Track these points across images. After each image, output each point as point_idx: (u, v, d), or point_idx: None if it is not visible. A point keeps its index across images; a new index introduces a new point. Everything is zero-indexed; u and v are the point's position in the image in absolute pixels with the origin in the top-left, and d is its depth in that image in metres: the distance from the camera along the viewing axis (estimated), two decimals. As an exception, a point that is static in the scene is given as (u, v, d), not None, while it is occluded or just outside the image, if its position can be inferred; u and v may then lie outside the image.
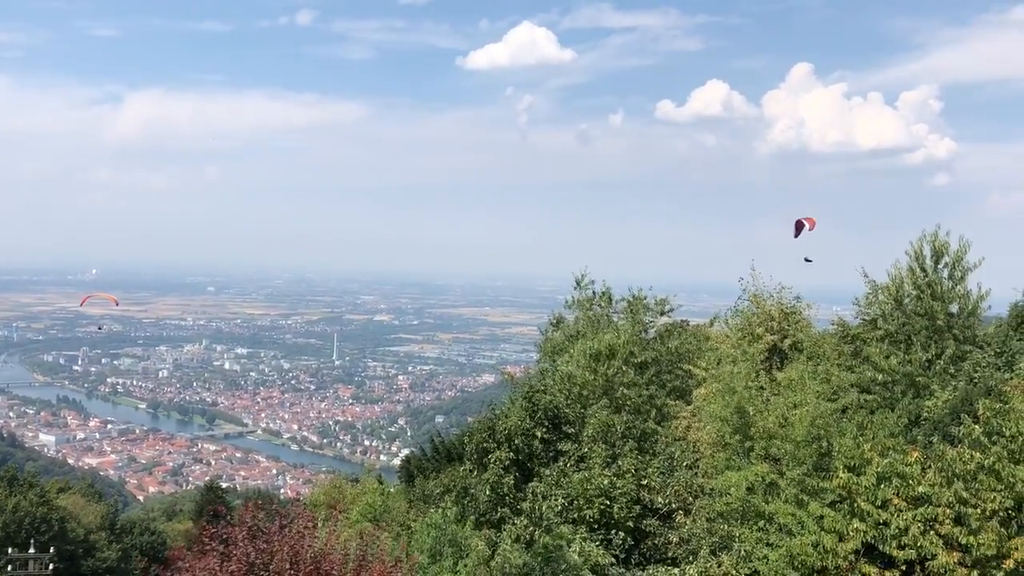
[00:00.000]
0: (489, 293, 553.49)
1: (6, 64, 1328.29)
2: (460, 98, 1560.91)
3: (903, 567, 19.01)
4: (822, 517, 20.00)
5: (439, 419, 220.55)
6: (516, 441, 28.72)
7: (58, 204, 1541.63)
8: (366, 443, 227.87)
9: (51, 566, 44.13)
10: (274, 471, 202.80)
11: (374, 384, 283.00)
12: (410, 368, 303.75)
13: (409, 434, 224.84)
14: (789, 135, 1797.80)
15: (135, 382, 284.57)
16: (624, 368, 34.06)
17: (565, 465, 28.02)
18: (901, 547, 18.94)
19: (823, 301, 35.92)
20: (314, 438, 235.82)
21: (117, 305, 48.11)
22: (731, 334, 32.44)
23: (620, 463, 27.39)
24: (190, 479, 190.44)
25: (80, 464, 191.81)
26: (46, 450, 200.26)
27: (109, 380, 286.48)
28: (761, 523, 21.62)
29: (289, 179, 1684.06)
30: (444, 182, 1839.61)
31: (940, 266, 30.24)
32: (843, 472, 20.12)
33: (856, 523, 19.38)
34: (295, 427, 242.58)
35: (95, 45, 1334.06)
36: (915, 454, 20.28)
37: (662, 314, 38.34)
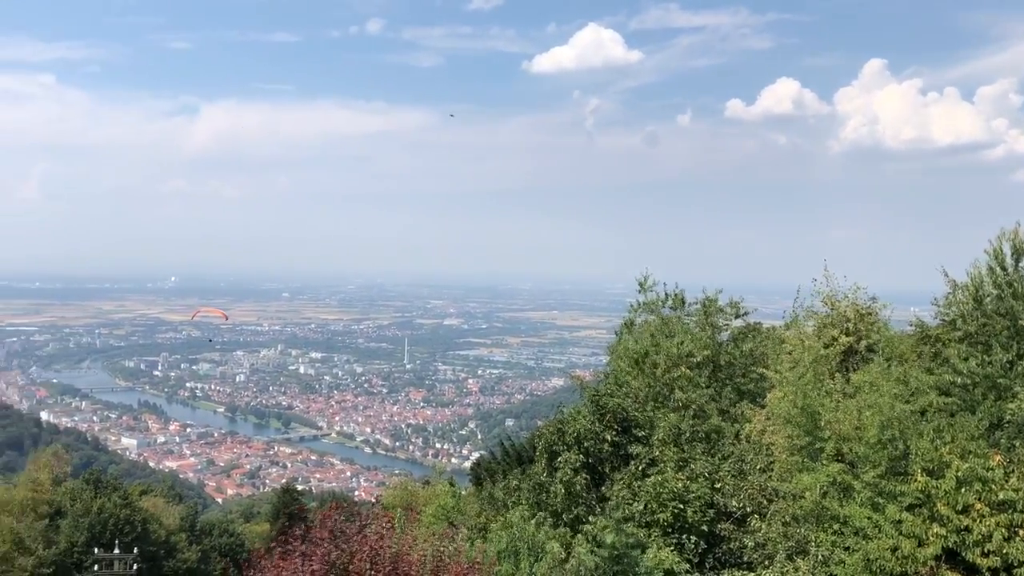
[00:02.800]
0: (557, 296, 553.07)
1: (86, 79, 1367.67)
2: (526, 103, 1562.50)
3: (987, 574, 18.53)
4: (900, 521, 19.55)
5: (509, 422, 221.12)
6: (585, 444, 28.73)
7: (137, 214, 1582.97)
8: (437, 446, 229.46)
9: (135, 566, 45.47)
10: (348, 473, 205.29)
11: (444, 387, 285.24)
12: (479, 372, 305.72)
13: (479, 437, 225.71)
14: (862, 132, 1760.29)
15: (213, 386, 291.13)
16: (683, 370, 33.78)
17: (637, 468, 27.92)
18: (985, 554, 18.46)
19: (901, 302, 35.13)
20: (387, 441, 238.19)
21: (227, 319, 49.90)
22: (805, 336, 31.98)
23: (693, 466, 27.19)
24: (267, 481, 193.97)
25: (161, 467, 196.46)
26: (128, 453, 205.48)
27: (188, 385, 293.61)
28: (836, 527, 21.27)
29: (359, 186, 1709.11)
30: (511, 187, 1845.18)
31: (1021, 264, 29.34)
32: (921, 475, 19.72)
33: (936, 528, 18.94)
34: (368, 430, 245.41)
35: (170, 58, 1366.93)
36: (997, 458, 19.80)
37: (736, 317, 37.82)
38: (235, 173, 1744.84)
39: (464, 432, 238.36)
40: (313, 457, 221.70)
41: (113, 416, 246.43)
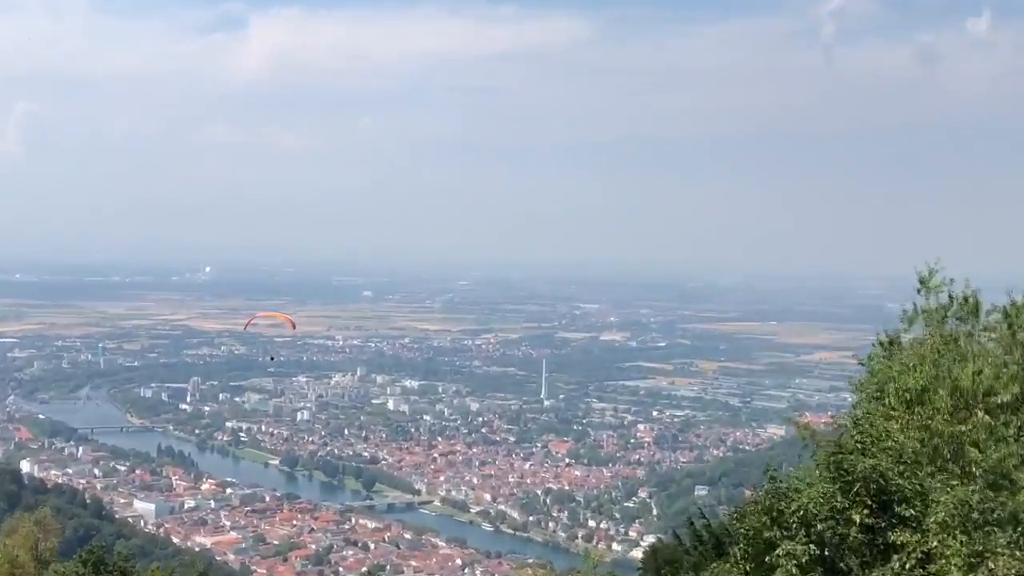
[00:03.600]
0: (776, 299, 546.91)
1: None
2: (729, 4, 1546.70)
3: None
4: None
5: (701, 491, 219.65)
6: (818, 527, 28.04)
7: (158, 175, 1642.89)
8: (591, 523, 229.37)
9: None
10: (459, 561, 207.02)
11: (601, 436, 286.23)
12: (655, 413, 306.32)
13: (655, 512, 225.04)
14: None
15: (265, 427, 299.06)
16: (979, 414, 32.50)
17: (903, 566, 27.03)
18: None
19: None
20: (515, 514, 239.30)
21: (295, 328, 51.55)
22: None
23: (992, 565, 26.15)
24: (340, 569, 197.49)
25: (189, 544, 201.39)
26: (143, 523, 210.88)
27: (229, 425, 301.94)
28: None
29: (473, 133, 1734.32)
30: (701, 131, 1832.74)
31: None
32: None
33: None
34: (487, 497, 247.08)
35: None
36: None
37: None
38: (297, 114, 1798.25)
39: (632, 504, 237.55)
40: (407, 535, 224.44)
41: (122, 469, 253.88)
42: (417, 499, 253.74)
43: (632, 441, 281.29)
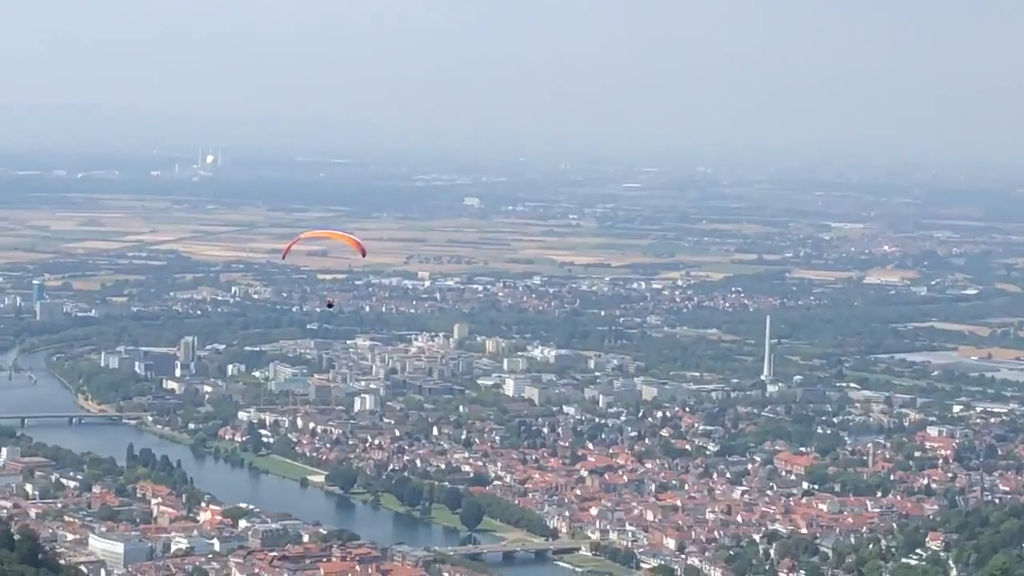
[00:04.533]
0: None
1: None
2: None
3: None
4: None
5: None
6: None
7: (115, 19, 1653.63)
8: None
9: None
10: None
11: (865, 445, 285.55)
12: (958, 408, 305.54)
13: (955, 573, 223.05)
14: None
15: (302, 422, 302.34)
16: None
17: None
18: None
19: None
20: (717, 572, 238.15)
21: (364, 255, 53.70)
22: None
23: None
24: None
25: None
26: (104, 573, 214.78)
27: (244, 416, 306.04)
28: None
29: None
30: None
31: None
32: None
33: None
34: (670, 543, 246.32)
35: None
36: None
37: None
38: None
39: (916, 559, 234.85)
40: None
41: (72, 485, 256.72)
42: (554, 544, 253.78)
43: (917, 455, 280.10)
